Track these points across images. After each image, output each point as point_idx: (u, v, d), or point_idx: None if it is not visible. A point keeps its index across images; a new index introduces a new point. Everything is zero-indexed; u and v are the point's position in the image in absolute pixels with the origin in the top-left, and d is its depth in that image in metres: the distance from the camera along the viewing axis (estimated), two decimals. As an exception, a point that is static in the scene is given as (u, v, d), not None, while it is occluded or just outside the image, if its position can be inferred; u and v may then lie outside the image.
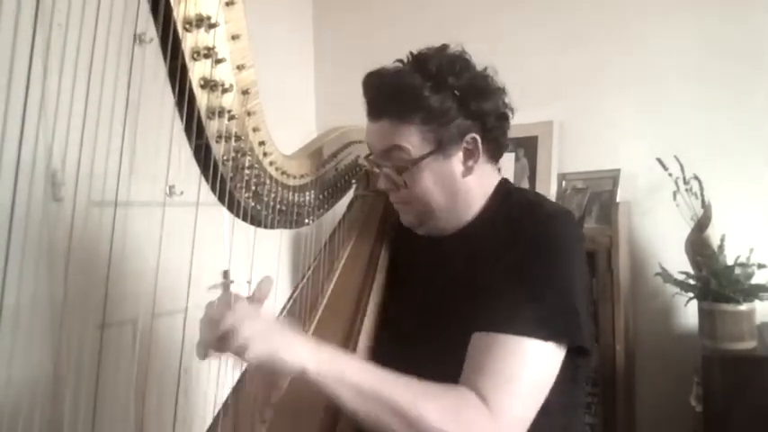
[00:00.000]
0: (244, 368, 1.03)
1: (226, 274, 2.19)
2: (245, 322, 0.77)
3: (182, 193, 0.90)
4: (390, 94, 1.00)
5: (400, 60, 1.05)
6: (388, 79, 1.01)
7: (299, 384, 0.90)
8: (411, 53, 1.04)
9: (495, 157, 1.06)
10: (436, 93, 0.97)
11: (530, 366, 0.86)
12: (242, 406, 0.92)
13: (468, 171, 1.02)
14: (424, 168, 0.99)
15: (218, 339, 0.77)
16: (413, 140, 0.98)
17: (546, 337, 0.86)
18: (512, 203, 1.04)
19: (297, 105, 2.84)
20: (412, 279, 1.11)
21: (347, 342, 0.98)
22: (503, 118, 1.04)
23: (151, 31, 0.74)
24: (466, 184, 1.03)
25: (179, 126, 0.83)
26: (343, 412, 0.84)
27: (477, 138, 1.01)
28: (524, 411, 0.85)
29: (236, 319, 0.77)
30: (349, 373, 0.80)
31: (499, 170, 1.10)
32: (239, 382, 1.01)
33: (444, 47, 1.03)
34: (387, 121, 1.00)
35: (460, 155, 1.01)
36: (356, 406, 0.80)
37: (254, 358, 0.77)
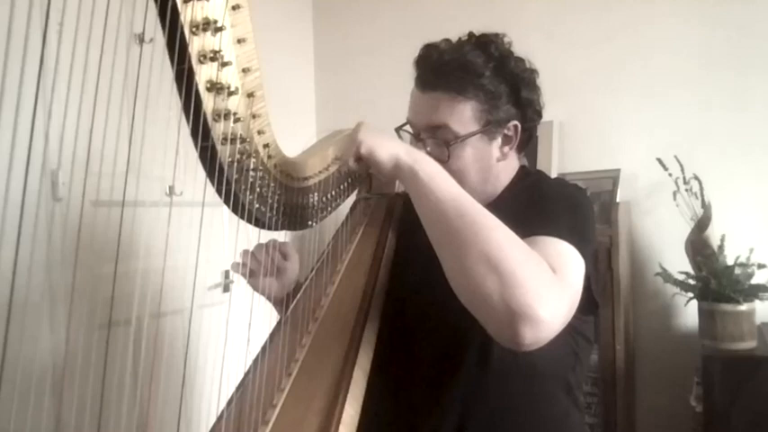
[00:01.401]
0: (247, 369, 1.04)
1: (227, 274, 2.20)
2: (361, 129, 0.92)
3: (181, 193, 0.90)
4: (453, 67, 1.00)
5: (447, 40, 1.05)
6: (451, 53, 1.02)
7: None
8: (470, 33, 1.05)
9: (522, 148, 1.09)
10: (495, 75, 1.00)
11: (573, 259, 0.85)
12: (245, 406, 0.93)
13: (503, 157, 1.06)
14: (467, 145, 1.01)
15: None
16: (464, 116, 1.00)
17: (577, 248, 0.86)
18: (531, 182, 1.08)
19: (297, 109, 2.85)
20: (422, 266, 1.12)
21: (351, 341, 0.98)
22: (539, 112, 1.07)
23: (151, 32, 0.74)
24: (497, 168, 1.06)
25: (185, 127, 0.83)
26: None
27: (519, 126, 1.04)
28: (573, 289, 0.83)
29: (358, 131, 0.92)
30: (440, 173, 0.86)
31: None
32: (243, 381, 1.01)
33: (497, 35, 1.04)
34: (442, 93, 1.01)
35: (499, 140, 1.04)
36: (438, 195, 0.83)
37: (365, 150, 0.90)
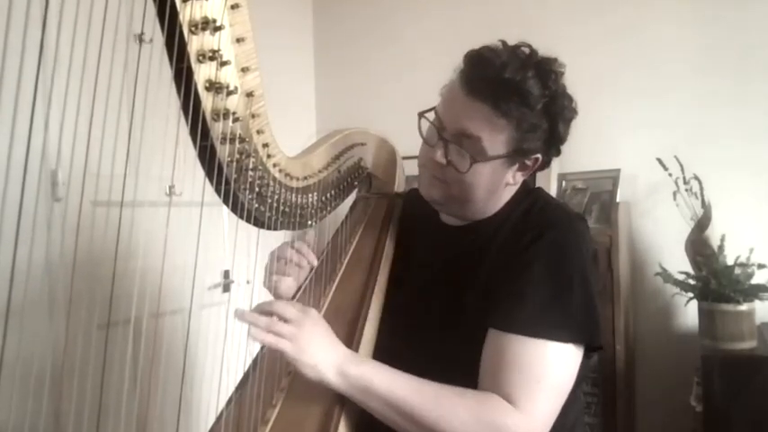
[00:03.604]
0: (246, 368, 1.04)
1: (227, 274, 2.20)
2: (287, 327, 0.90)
3: (181, 193, 0.90)
4: (509, 88, 0.95)
5: (507, 48, 1.00)
6: (512, 73, 0.96)
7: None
8: (532, 51, 1.00)
9: (533, 173, 1.07)
10: (543, 111, 0.97)
11: (553, 367, 0.89)
12: (245, 405, 0.93)
13: (514, 182, 1.04)
14: (488, 165, 0.99)
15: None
16: (498, 137, 0.97)
17: (567, 340, 0.90)
18: (529, 204, 1.06)
19: (298, 108, 2.85)
20: (420, 269, 1.12)
21: (350, 343, 0.98)
22: (559, 151, 1.05)
23: (151, 32, 0.74)
24: (504, 190, 1.05)
25: (184, 127, 0.83)
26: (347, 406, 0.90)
27: (540, 159, 1.02)
28: (551, 409, 0.88)
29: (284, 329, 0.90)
30: (374, 390, 0.88)
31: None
32: (242, 381, 1.01)
33: (557, 60, 1.01)
34: (487, 106, 0.96)
35: (517, 166, 1.02)
36: (382, 418, 0.89)
37: (289, 358, 0.89)
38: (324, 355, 0.89)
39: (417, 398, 0.87)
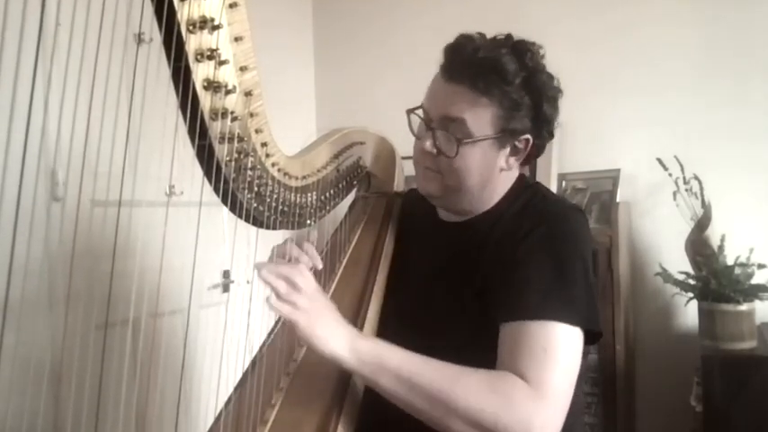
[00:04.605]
0: (245, 368, 1.04)
1: (226, 273, 2.20)
2: (301, 294, 0.88)
3: (182, 192, 0.90)
4: (485, 66, 0.97)
5: (482, 35, 1.03)
6: (486, 51, 0.98)
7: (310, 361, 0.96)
8: (509, 35, 1.02)
9: (527, 162, 1.08)
10: (523, 86, 0.98)
11: (563, 348, 0.88)
12: (244, 405, 0.93)
13: (507, 167, 1.04)
14: (477, 147, 1.00)
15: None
16: (483, 118, 0.98)
17: (573, 323, 0.90)
18: (527, 198, 1.06)
19: (297, 107, 2.85)
20: (419, 269, 1.12)
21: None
22: (551, 133, 1.06)
23: (149, 31, 0.74)
24: (499, 178, 1.05)
25: (182, 127, 0.83)
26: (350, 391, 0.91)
27: (531, 140, 1.03)
28: (563, 388, 0.87)
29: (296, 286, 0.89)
30: (386, 364, 0.87)
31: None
32: (241, 381, 1.01)
33: (534, 44, 1.02)
34: (466, 88, 0.98)
35: (508, 150, 1.03)
36: (393, 395, 0.87)
37: (298, 336, 0.88)
38: (335, 328, 0.89)
39: (429, 371, 0.86)
